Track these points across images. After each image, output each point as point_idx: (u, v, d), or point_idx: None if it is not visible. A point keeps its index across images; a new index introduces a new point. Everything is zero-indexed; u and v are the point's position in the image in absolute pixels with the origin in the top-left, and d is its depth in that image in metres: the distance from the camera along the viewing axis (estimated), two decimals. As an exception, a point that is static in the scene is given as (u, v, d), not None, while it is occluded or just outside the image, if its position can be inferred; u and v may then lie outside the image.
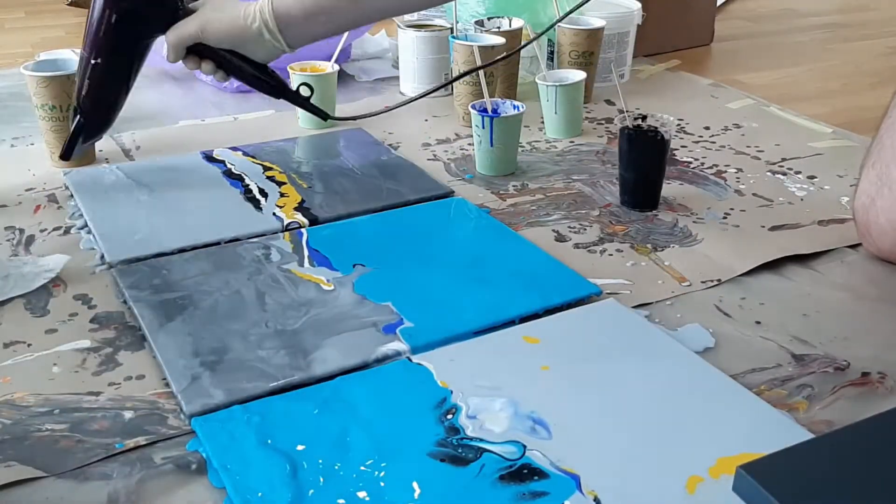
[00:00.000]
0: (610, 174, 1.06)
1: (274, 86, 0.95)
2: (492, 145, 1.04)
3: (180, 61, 0.91)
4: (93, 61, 0.88)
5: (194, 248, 0.87)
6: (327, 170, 1.06)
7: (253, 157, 1.09)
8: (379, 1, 0.90)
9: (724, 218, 0.95)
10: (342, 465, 0.59)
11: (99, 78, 0.89)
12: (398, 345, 0.71)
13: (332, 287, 0.80)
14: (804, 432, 0.61)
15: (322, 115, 0.98)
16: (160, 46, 1.45)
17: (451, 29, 1.31)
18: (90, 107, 0.91)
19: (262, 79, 0.94)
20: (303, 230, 0.91)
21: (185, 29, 0.88)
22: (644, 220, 0.95)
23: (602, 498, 0.56)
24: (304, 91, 0.95)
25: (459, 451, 0.60)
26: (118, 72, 0.90)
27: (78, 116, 0.91)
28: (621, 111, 0.97)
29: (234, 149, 1.12)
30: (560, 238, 0.91)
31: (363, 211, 0.96)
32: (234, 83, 1.36)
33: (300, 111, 1.21)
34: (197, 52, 0.90)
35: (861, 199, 0.86)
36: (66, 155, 0.93)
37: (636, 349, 0.71)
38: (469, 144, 1.15)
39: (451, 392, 0.66)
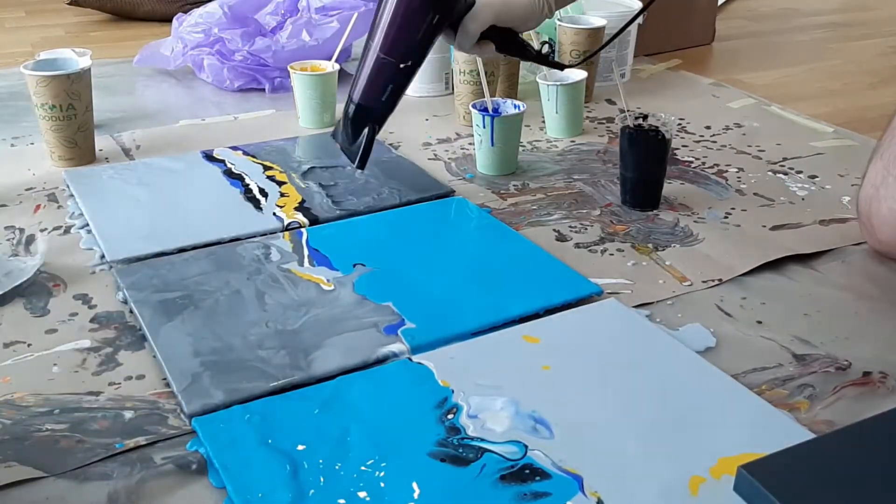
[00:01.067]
0: (611, 174, 1.06)
1: (531, 51, 0.90)
2: (492, 145, 1.04)
3: (469, 47, 0.86)
4: (402, 65, 0.81)
5: (194, 247, 0.87)
6: (327, 169, 1.06)
7: (253, 156, 1.09)
8: None
9: (726, 217, 0.95)
10: (343, 464, 0.59)
11: (404, 81, 0.83)
12: (399, 346, 0.71)
13: (333, 287, 0.80)
14: (805, 432, 0.61)
15: (559, 66, 0.95)
16: (159, 45, 1.46)
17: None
18: (387, 110, 0.84)
19: (527, 47, 0.90)
20: (303, 230, 0.91)
21: (486, 12, 0.84)
22: (645, 220, 0.95)
23: (605, 499, 0.56)
24: (546, 49, 0.92)
25: (460, 451, 0.60)
26: (417, 70, 0.84)
27: (372, 126, 0.84)
28: (622, 110, 0.97)
29: (235, 148, 1.12)
30: (561, 238, 0.91)
31: (363, 210, 0.95)
32: (235, 83, 1.36)
33: (300, 110, 1.21)
34: (484, 33, 0.86)
35: (866, 189, 0.86)
36: (363, 164, 0.84)
37: (637, 349, 0.71)
38: (470, 144, 1.15)
39: (453, 391, 0.66)
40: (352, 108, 0.83)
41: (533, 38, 1.22)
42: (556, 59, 1.06)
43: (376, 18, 0.81)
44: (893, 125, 0.85)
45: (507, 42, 0.88)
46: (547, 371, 0.68)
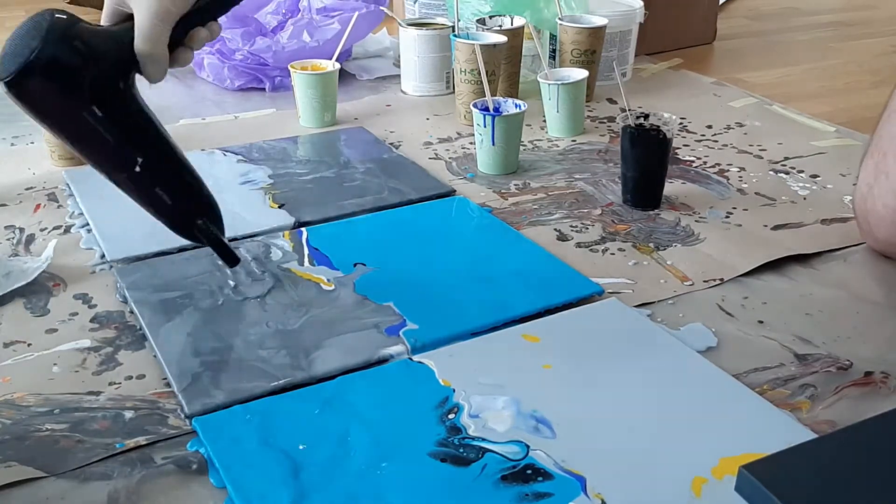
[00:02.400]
0: (612, 173, 1.05)
1: None
2: (493, 144, 1.04)
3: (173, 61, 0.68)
4: (138, 169, 0.65)
5: (195, 247, 0.87)
6: (328, 168, 1.06)
7: (251, 159, 1.09)
8: None
9: (727, 217, 0.95)
10: (343, 464, 0.58)
11: (162, 172, 0.67)
12: (401, 347, 0.71)
13: (333, 287, 0.80)
14: (807, 432, 0.61)
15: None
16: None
17: (453, 27, 1.30)
18: (187, 205, 0.68)
19: None
20: (303, 229, 0.91)
21: (156, 22, 0.62)
22: (646, 220, 0.94)
23: (608, 501, 0.55)
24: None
25: (461, 451, 0.60)
26: (165, 147, 0.68)
27: (205, 229, 0.68)
28: (623, 110, 0.97)
29: (234, 151, 1.12)
30: (562, 237, 0.91)
31: (364, 210, 0.95)
32: (236, 82, 1.36)
33: (301, 110, 1.21)
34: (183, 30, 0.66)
35: (860, 189, 0.86)
36: (235, 259, 0.70)
37: (638, 348, 0.71)
38: (470, 143, 1.15)
39: (453, 391, 0.65)
40: (170, 228, 0.69)
41: (533, 36, 1.22)
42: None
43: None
44: (880, 124, 0.85)
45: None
46: (548, 370, 0.68)
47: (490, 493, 0.56)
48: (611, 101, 1.32)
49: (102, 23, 0.65)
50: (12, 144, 1.16)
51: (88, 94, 0.61)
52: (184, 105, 1.31)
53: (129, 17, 0.63)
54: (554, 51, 1.36)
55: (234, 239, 0.88)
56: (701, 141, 1.17)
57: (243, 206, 0.96)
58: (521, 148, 1.09)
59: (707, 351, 0.72)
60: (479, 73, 1.11)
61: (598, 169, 1.08)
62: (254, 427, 0.62)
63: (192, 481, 0.58)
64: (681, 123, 1.22)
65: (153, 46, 0.63)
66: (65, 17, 0.61)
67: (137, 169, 0.63)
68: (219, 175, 1.03)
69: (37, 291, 0.80)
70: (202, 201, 0.68)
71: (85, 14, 1.91)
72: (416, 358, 0.70)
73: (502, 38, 1.19)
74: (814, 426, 0.62)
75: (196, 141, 1.15)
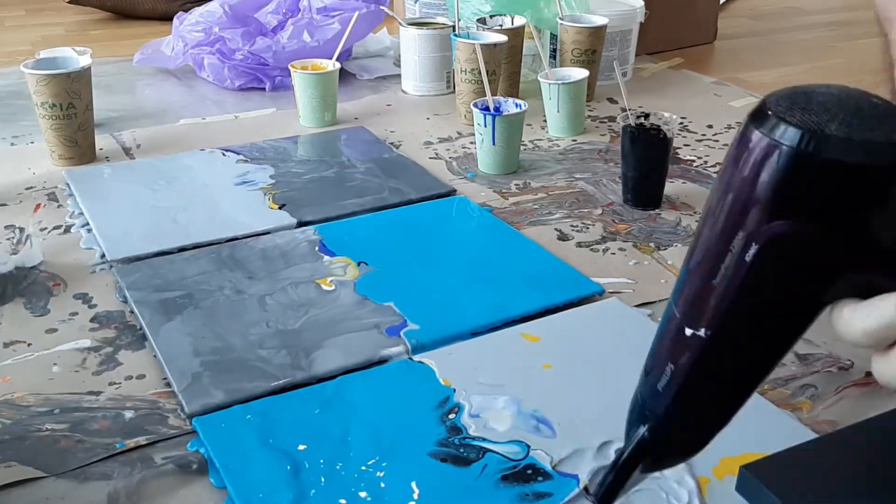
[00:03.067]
0: (612, 173, 1.05)
1: None
2: (494, 144, 1.04)
3: None
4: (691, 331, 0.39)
5: (195, 246, 0.87)
6: (328, 168, 1.06)
7: (251, 158, 1.09)
8: None
9: (727, 216, 0.95)
10: (343, 464, 0.58)
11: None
12: (402, 347, 0.71)
13: (333, 287, 0.80)
14: (808, 432, 0.61)
15: None
16: (160, 44, 1.46)
17: (453, 27, 1.30)
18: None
19: None
20: (303, 229, 0.91)
21: None
22: (647, 219, 0.94)
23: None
24: None
25: (461, 450, 0.60)
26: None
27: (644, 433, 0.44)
28: (624, 109, 0.97)
29: (234, 151, 1.12)
30: (562, 237, 0.91)
31: (364, 210, 0.95)
32: (236, 82, 1.36)
33: (301, 109, 1.21)
34: None
35: None
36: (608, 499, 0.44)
37: (639, 348, 0.70)
38: (471, 143, 1.15)
39: (454, 391, 0.65)
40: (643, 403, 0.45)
41: (534, 35, 1.22)
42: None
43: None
44: None
45: None
46: (548, 370, 0.68)
47: (490, 493, 0.56)
48: (611, 100, 1.32)
49: None
50: (12, 144, 1.15)
51: None
52: (184, 105, 1.31)
53: None
54: (554, 50, 1.36)
55: (236, 238, 0.88)
56: (702, 141, 1.17)
57: (243, 207, 0.96)
58: (522, 147, 1.09)
59: (708, 351, 0.72)
60: (480, 73, 1.10)
61: (598, 168, 1.07)
62: (254, 427, 0.62)
63: (192, 481, 0.58)
64: (681, 123, 1.22)
65: None
66: None
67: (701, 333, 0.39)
68: (217, 175, 1.03)
69: (37, 291, 0.80)
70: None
71: (85, 14, 1.90)
72: (416, 358, 0.69)
73: (503, 38, 1.19)
74: (814, 426, 0.62)
75: (196, 141, 1.15)
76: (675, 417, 0.42)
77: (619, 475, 0.44)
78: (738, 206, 0.35)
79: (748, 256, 0.36)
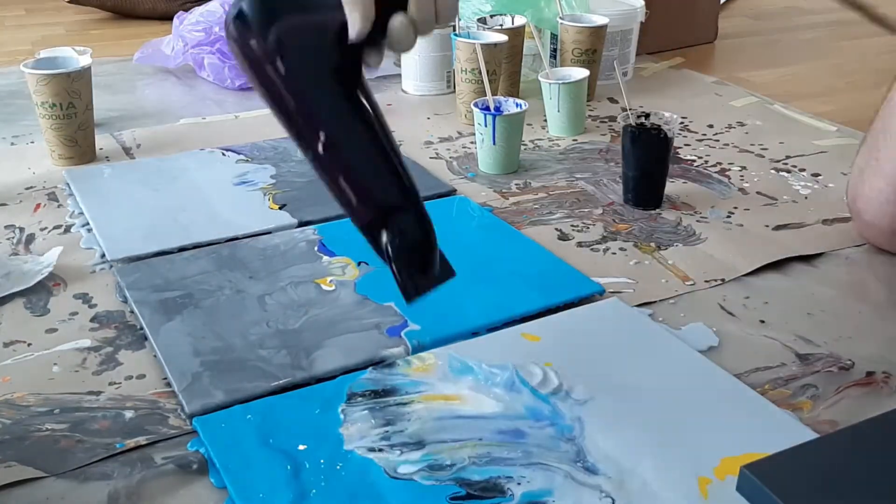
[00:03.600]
0: (613, 172, 1.05)
1: None
2: (494, 143, 1.04)
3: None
4: (318, 147, 0.57)
5: (195, 246, 0.87)
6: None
7: (251, 157, 1.09)
8: None
9: (728, 217, 0.95)
10: (344, 465, 0.58)
11: (348, 158, 0.59)
12: (402, 348, 0.70)
13: (334, 287, 0.80)
14: (808, 432, 0.61)
15: None
16: (160, 43, 1.46)
17: (454, 26, 1.30)
18: (384, 202, 0.59)
19: None
20: (302, 229, 0.91)
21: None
22: (647, 219, 0.94)
23: (618, 501, 0.55)
24: None
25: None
26: (353, 140, 0.58)
27: (386, 234, 0.58)
28: (624, 109, 0.97)
29: (234, 150, 1.12)
30: (563, 237, 0.91)
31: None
32: (236, 82, 1.36)
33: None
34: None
35: (853, 173, 0.88)
36: (410, 296, 0.59)
37: (639, 348, 0.71)
38: (471, 143, 1.14)
39: (454, 392, 0.65)
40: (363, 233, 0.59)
41: (534, 35, 1.22)
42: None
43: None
44: (879, 113, 0.86)
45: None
46: (549, 367, 0.68)
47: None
48: (612, 100, 1.32)
49: None
50: (12, 144, 1.15)
51: (280, 44, 0.54)
52: (184, 104, 1.31)
53: None
54: (555, 50, 1.35)
55: (236, 238, 0.88)
56: (702, 140, 1.17)
57: (243, 207, 0.95)
58: (522, 147, 1.09)
59: (708, 351, 0.72)
60: (480, 73, 1.10)
61: (599, 168, 1.07)
62: (254, 427, 0.62)
63: (192, 481, 0.58)
64: (682, 123, 1.22)
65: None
66: None
67: (320, 149, 0.55)
68: (218, 175, 1.03)
69: (37, 291, 0.80)
70: (392, 204, 0.57)
71: (85, 13, 1.90)
72: (416, 357, 0.69)
73: (503, 38, 1.19)
74: (815, 426, 0.62)
75: (197, 140, 1.15)
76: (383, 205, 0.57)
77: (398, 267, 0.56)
78: None
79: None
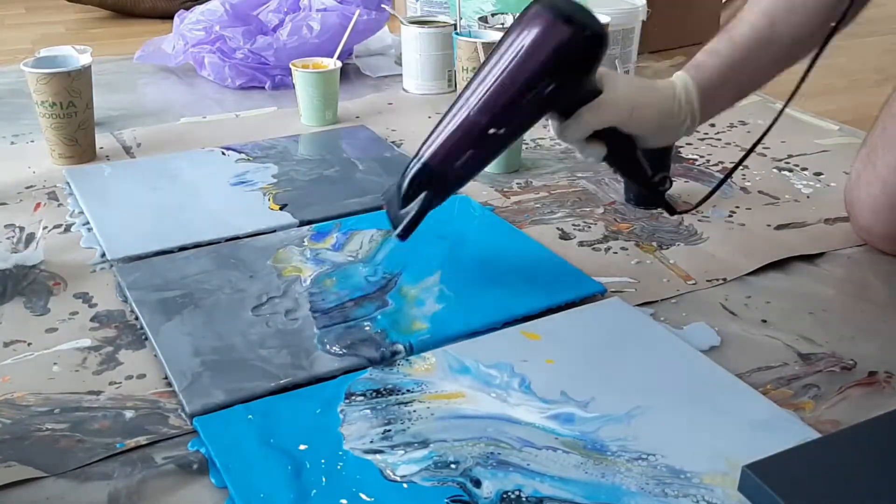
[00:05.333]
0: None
1: (646, 176, 0.78)
2: (495, 142, 1.03)
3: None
4: (491, 130, 0.69)
5: (196, 245, 0.87)
6: (330, 167, 1.06)
7: (253, 156, 1.09)
8: (786, 33, 0.78)
9: (730, 216, 0.95)
10: (344, 465, 0.58)
11: (488, 151, 0.71)
12: (403, 348, 0.70)
13: (334, 284, 0.79)
14: (810, 432, 0.61)
15: (669, 209, 0.81)
16: (160, 42, 1.46)
17: (455, 25, 1.30)
18: (456, 180, 0.72)
19: (641, 167, 0.77)
20: (303, 228, 0.91)
21: (612, 113, 0.72)
22: (649, 218, 0.94)
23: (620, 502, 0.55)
24: (666, 185, 0.78)
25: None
26: (506, 146, 0.74)
27: (429, 193, 0.71)
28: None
29: (235, 149, 1.11)
30: (564, 236, 0.90)
31: (366, 209, 0.95)
32: (237, 81, 1.36)
33: (302, 108, 1.21)
34: (597, 134, 0.73)
35: (851, 177, 0.89)
36: (407, 234, 0.73)
37: (641, 348, 0.71)
38: (472, 141, 1.14)
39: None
40: (416, 166, 0.71)
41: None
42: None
43: (479, 72, 0.70)
44: (879, 117, 0.87)
45: (621, 151, 0.75)
46: (551, 365, 0.68)
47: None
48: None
49: None
50: (12, 143, 1.15)
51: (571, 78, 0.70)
52: (185, 103, 1.31)
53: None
54: (556, 49, 1.35)
55: (237, 237, 0.88)
56: (704, 139, 1.17)
57: (243, 206, 0.95)
58: (524, 146, 1.09)
59: (710, 350, 0.71)
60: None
61: (600, 167, 1.07)
62: (255, 427, 0.61)
63: (192, 481, 0.58)
64: (683, 122, 1.22)
65: (595, 118, 0.72)
66: None
67: (490, 130, 0.69)
68: (218, 174, 1.03)
69: (37, 291, 0.80)
70: (452, 187, 0.73)
71: (86, 12, 1.89)
72: (417, 357, 0.69)
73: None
74: (817, 426, 0.62)
75: (197, 139, 1.15)
76: (453, 181, 0.72)
77: (417, 217, 0.71)
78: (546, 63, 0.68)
79: (546, 91, 0.68)
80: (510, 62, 0.68)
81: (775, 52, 0.79)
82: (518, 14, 0.70)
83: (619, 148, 0.74)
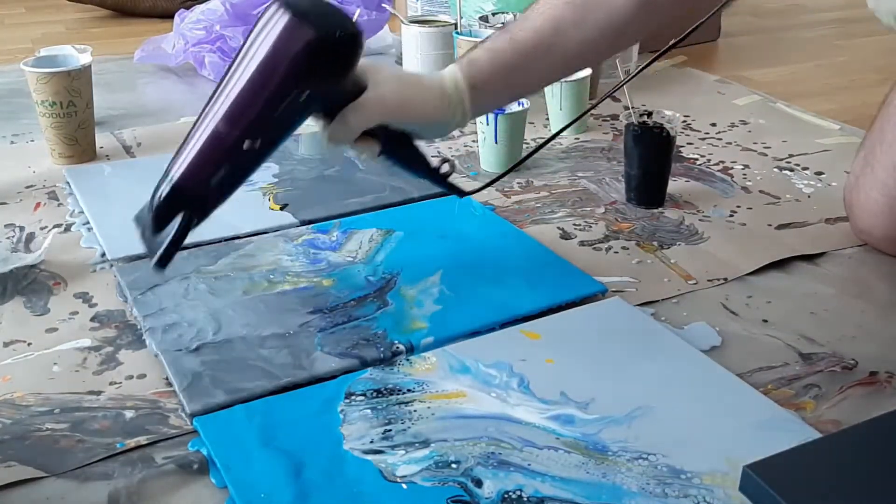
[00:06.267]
0: (615, 171, 1.05)
1: (427, 168, 0.77)
2: (496, 142, 1.03)
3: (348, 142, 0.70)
4: (246, 144, 0.64)
5: (196, 245, 0.87)
6: (330, 167, 1.05)
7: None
8: (570, 45, 0.75)
9: (731, 215, 0.95)
10: (345, 464, 0.58)
11: (245, 165, 0.66)
12: (404, 348, 0.70)
13: (334, 284, 0.79)
14: (811, 432, 0.61)
15: (458, 192, 0.81)
16: (161, 42, 1.45)
17: (455, 25, 1.30)
18: (214, 199, 0.66)
19: (420, 158, 0.76)
20: (305, 228, 0.91)
21: (375, 108, 0.68)
22: (650, 218, 0.94)
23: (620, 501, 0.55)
24: (445, 168, 0.78)
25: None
26: (267, 156, 0.67)
27: (187, 214, 0.65)
28: (627, 108, 0.96)
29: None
30: (565, 236, 0.90)
31: (367, 208, 0.95)
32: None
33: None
34: (371, 131, 0.71)
35: (849, 179, 0.88)
36: (164, 263, 0.66)
37: (642, 347, 0.71)
38: (473, 141, 1.14)
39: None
40: (166, 189, 0.65)
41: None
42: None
43: (224, 79, 0.64)
44: (877, 118, 0.87)
45: (396, 146, 0.73)
46: (551, 364, 0.68)
47: (492, 494, 0.56)
48: (614, 98, 1.31)
49: None
50: (12, 143, 1.15)
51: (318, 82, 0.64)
52: (185, 102, 1.31)
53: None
54: (557, 48, 1.35)
55: (237, 237, 0.88)
56: (705, 139, 1.17)
57: (243, 205, 0.95)
58: (524, 146, 1.09)
59: (711, 350, 0.71)
60: (482, 71, 1.10)
61: (601, 167, 1.07)
62: (255, 427, 0.61)
63: (193, 481, 0.58)
64: (684, 121, 1.22)
65: (362, 118, 0.69)
66: None
67: (245, 144, 0.64)
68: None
69: (37, 290, 0.80)
70: (209, 206, 0.67)
71: (86, 11, 1.89)
72: (418, 356, 0.69)
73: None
74: (818, 426, 0.62)
75: (197, 139, 1.15)
76: (212, 200, 0.66)
77: (175, 242, 0.65)
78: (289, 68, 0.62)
79: (302, 98, 0.63)
80: (256, 70, 0.62)
81: (554, 61, 0.76)
82: (269, 13, 0.63)
83: (393, 142, 0.72)
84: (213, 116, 0.64)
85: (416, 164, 0.76)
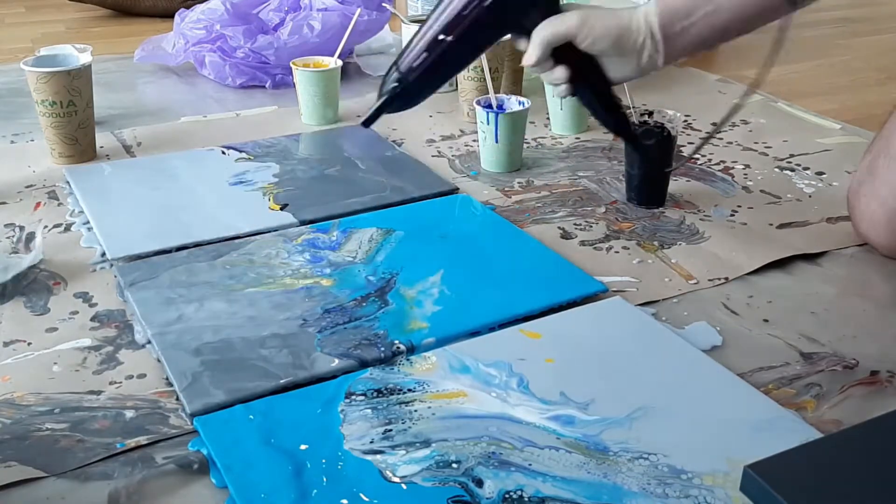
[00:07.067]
0: (616, 171, 1.05)
1: (620, 114, 0.84)
2: (497, 141, 1.03)
3: (532, 61, 0.78)
4: (441, 37, 0.76)
5: (196, 245, 0.87)
6: (330, 166, 1.05)
7: (253, 155, 1.09)
8: None
9: (732, 215, 0.95)
10: (345, 464, 0.58)
11: (440, 56, 0.78)
12: (404, 348, 0.70)
13: (334, 283, 0.79)
14: (812, 431, 0.61)
15: (637, 144, 0.88)
16: (161, 41, 1.45)
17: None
18: (415, 80, 0.79)
19: (613, 100, 0.83)
20: (305, 228, 0.90)
21: (562, 24, 0.75)
22: (650, 217, 0.94)
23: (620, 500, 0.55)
24: (641, 118, 0.82)
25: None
26: (462, 57, 0.81)
27: (395, 84, 0.79)
28: (628, 107, 0.96)
29: (236, 148, 1.11)
30: (565, 235, 0.90)
31: (367, 208, 0.95)
32: (237, 80, 1.35)
33: (303, 107, 1.20)
34: (558, 55, 0.77)
35: (853, 184, 0.88)
36: (369, 122, 0.81)
37: (642, 347, 0.71)
38: (474, 141, 1.14)
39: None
40: (391, 66, 0.80)
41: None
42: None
43: None
44: (885, 125, 0.87)
45: (586, 76, 0.79)
46: (551, 364, 0.68)
47: (493, 494, 0.56)
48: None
49: None
50: (12, 142, 1.15)
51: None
52: (185, 102, 1.31)
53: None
54: (557, 48, 1.35)
55: (237, 237, 0.88)
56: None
57: (243, 205, 0.95)
58: (525, 145, 1.09)
59: (712, 350, 0.71)
60: (483, 71, 1.10)
61: (601, 167, 1.07)
62: (255, 426, 0.61)
63: (193, 481, 0.58)
64: (685, 121, 1.22)
65: (550, 33, 0.77)
66: None
67: (439, 37, 0.77)
68: (218, 173, 1.03)
69: (37, 290, 0.80)
70: (413, 88, 0.80)
71: (86, 10, 1.89)
72: (418, 356, 0.69)
73: (506, 35, 1.18)
74: (819, 425, 0.62)
75: (198, 138, 1.15)
76: (419, 81, 0.79)
77: (380, 108, 0.80)
78: None
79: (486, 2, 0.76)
80: None
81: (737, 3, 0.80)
82: None
83: (583, 71, 0.78)
84: (429, 16, 0.78)
85: (605, 100, 0.82)
